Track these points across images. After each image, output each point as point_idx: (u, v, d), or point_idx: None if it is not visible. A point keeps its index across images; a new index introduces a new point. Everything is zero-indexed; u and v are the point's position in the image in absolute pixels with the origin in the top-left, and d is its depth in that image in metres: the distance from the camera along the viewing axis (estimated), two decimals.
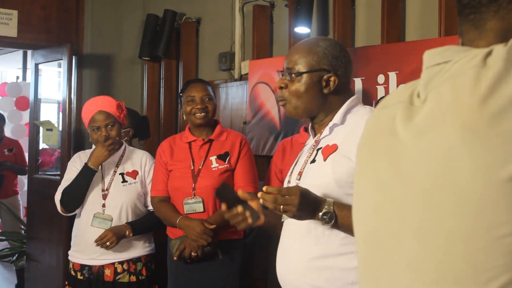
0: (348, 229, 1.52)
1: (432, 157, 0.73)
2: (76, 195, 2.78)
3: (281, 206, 1.47)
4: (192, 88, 2.72)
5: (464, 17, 0.83)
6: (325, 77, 1.66)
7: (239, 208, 1.68)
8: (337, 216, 1.51)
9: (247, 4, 4.06)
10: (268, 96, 3.76)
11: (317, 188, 1.58)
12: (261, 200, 1.50)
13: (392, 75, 2.97)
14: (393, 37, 3.09)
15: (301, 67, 1.67)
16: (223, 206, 1.72)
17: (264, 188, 1.50)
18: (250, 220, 1.68)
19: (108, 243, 2.66)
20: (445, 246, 0.71)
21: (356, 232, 0.90)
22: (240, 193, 1.69)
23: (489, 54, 0.72)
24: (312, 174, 1.66)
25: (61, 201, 2.78)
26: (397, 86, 2.95)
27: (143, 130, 3.87)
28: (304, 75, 1.66)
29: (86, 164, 2.72)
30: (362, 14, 3.38)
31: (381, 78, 3.01)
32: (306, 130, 2.80)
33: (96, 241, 2.68)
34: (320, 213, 1.50)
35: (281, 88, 1.71)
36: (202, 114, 2.67)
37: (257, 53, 3.88)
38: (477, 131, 0.68)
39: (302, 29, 3.42)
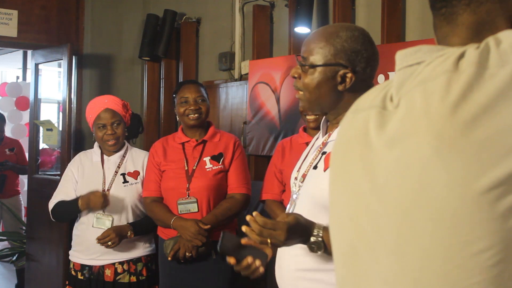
0: None
1: (406, 169, 0.70)
2: (64, 217, 2.96)
3: (268, 240, 1.40)
4: (185, 89, 2.72)
5: (436, 11, 0.80)
6: (340, 72, 1.48)
7: (249, 259, 1.59)
8: (326, 245, 1.42)
9: (247, 4, 4.06)
10: (268, 96, 3.76)
11: (312, 199, 1.52)
12: (243, 228, 1.43)
13: (392, 75, 2.97)
14: (393, 37, 3.09)
15: (315, 58, 1.50)
16: (232, 261, 1.59)
17: (248, 218, 1.41)
18: (262, 269, 1.61)
19: (109, 243, 2.66)
20: (422, 263, 0.68)
21: (333, 246, 0.87)
22: (243, 240, 1.59)
23: (461, 56, 0.69)
24: (311, 181, 1.57)
25: (52, 213, 2.84)
26: None
27: (134, 128, 3.84)
28: (318, 68, 1.49)
29: (77, 199, 2.71)
30: (362, 14, 3.38)
31: (381, 78, 3.01)
32: (305, 130, 2.80)
33: (98, 238, 2.66)
34: (308, 242, 1.44)
35: (294, 77, 1.56)
36: (196, 115, 2.67)
37: (257, 53, 3.88)
38: (450, 141, 0.65)
39: (302, 29, 3.42)
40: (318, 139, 1.71)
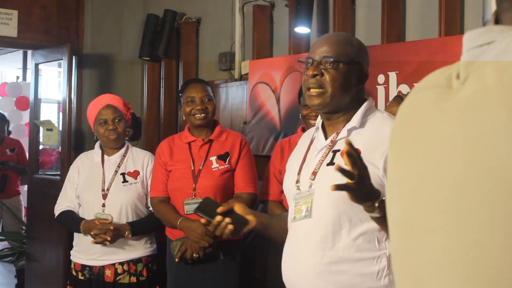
0: None
1: (472, 142, 0.69)
2: (66, 228, 3.15)
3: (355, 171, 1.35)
4: (192, 88, 2.71)
5: None
6: (360, 71, 1.66)
7: (218, 218, 1.70)
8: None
9: (247, 4, 4.06)
10: (268, 96, 3.76)
11: (334, 192, 1.52)
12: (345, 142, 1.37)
13: (392, 75, 2.97)
14: (393, 37, 3.09)
15: (341, 56, 1.63)
16: (202, 221, 1.75)
17: (347, 141, 1.34)
18: (231, 227, 1.70)
19: (108, 238, 2.63)
20: (482, 235, 0.68)
21: (390, 219, 0.87)
22: (220, 208, 1.70)
23: None
24: (330, 176, 1.56)
25: (57, 220, 2.92)
26: (397, 86, 2.95)
27: (136, 130, 3.87)
28: (344, 65, 1.63)
29: (80, 222, 2.74)
30: (362, 14, 3.38)
31: (381, 78, 3.01)
32: (303, 130, 2.80)
33: (95, 233, 2.65)
34: (378, 200, 1.41)
35: (315, 76, 1.62)
36: (202, 115, 2.66)
37: (257, 53, 3.88)
38: None
39: (302, 29, 3.42)
40: (316, 140, 1.74)
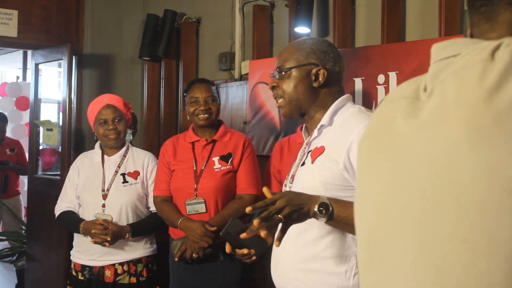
0: (345, 223, 1.47)
1: (435, 154, 0.70)
2: (66, 228, 3.16)
3: (278, 216, 1.43)
4: (196, 89, 2.71)
5: (475, 10, 0.80)
6: (313, 71, 1.67)
7: (245, 251, 1.66)
8: (334, 208, 1.46)
9: (247, 4, 4.06)
10: (268, 96, 3.76)
11: (305, 191, 1.57)
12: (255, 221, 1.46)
13: (392, 75, 2.97)
14: (393, 37, 3.09)
15: (289, 63, 1.69)
16: (228, 249, 1.64)
17: (248, 210, 1.45)
18: (254, 258, 1.76)
19: (108, 238, 2.63)
20: (445, 248, 0.68)
21: (357, 229, 0.88)
22: (244, 235, 1.60)
23: (497, 47, 0.69)
24: (301, 177, 1.65)
25: (57, 219, 2.92)
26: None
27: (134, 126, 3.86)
28: (293, 71, 1.68)
29: (80, 223, 2.74)
30: (362, 14, 3.38)
31: (381, 78, 3.01)
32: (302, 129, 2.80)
33: (95, 233, 2.66)
34: (316, 205, 1.46)
35: (273, 88, 1.73)
36: (206, 115, 2.66)
37: (257, 53, 3.88)
38: (482, 129, 0.65)
39: (302, 29, 3.42)
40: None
